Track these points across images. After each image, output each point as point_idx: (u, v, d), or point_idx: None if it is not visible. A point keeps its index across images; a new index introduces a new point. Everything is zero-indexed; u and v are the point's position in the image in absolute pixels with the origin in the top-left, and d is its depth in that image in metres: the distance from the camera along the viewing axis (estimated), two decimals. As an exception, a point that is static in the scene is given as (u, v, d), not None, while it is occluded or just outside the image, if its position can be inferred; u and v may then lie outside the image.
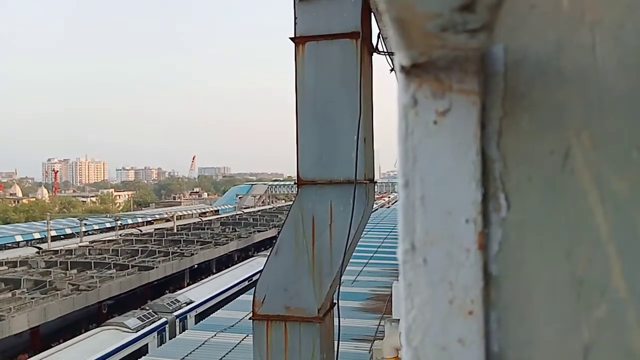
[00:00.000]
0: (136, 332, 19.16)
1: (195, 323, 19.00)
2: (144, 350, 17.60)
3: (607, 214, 0.49)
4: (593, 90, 0.50)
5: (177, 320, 21.30)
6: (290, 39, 4.56)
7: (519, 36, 0.52)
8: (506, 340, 0.52)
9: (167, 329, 20.56)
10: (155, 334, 19.94)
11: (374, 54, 4.87)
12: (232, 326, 15.44)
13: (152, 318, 20.71)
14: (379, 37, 4.87)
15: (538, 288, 0.51)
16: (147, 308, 21.95)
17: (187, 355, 13.21)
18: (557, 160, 0.51)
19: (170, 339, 18.33)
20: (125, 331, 18.90)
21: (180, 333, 18.40)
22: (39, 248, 37.12)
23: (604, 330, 0.48)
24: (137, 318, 20.24)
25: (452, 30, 0.44)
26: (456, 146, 0.52)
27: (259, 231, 46.66)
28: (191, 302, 23.06)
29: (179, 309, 22.05)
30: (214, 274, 32.45)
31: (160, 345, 17.84)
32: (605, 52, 0.50)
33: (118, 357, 17.10)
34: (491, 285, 0.52)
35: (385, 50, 5.02)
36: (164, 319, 20.82)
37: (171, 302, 22.62)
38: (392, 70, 5.70)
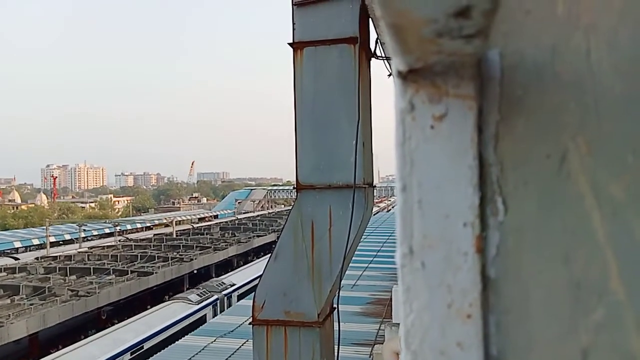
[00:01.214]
0: (198, 304, 23.58)
1: (237, 301, 23.89)
2: (203, 320, 21.84)
3: (603, 218, 0.49)
4: (588, 94, 0.50)
5: (225, 297, 25.67)
6: (289, 44, 4.58)
7: (514, 41, 0.52)
8: (504, 343, 0.52)
9: (218, 304, 24.80)
10: (210, 307, 24.21)
11: (372, 59, 4.89)
12: (232, 331, 15.39)
13: (207, 295, 24.93)
14: (377, 42, 4.89)
15: (536, 291, 0.51)
16: (201, 288, 26.23)
17: (186, 361, 13.16)
18: (554, 164, 0.51)
19: (220, 312, 22.40)
20: (189, 304, 23.38)
21: (227, 308, 22.45)
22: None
23: (601, 333, 0.48)
24: (197, 294, 24.56)
25: (448, 36, 0.44)
26: (453, 150, 0.53)
27: (258, 236, 46.59)
28: (234, 284, 27.33)
29: (226, 290, 26.31)
30: (212, 277, 32.46)
31: (214, 316, 21.62)
32: (600, 56, 0.50)
33: (188, 321, 21.72)
34: (489, 289, 0.52)
35: (383, 55, 5.03)
36: (215, 296, 25.14)
37: (219, 284, 27.00)
38: (390, 75, 5.72)
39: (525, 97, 0.52)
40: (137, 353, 17.66)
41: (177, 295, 25.24)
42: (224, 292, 26.04)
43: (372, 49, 4.82)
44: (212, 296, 25.07)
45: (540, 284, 0.51)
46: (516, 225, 0.52)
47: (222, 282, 27.36)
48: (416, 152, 0.53)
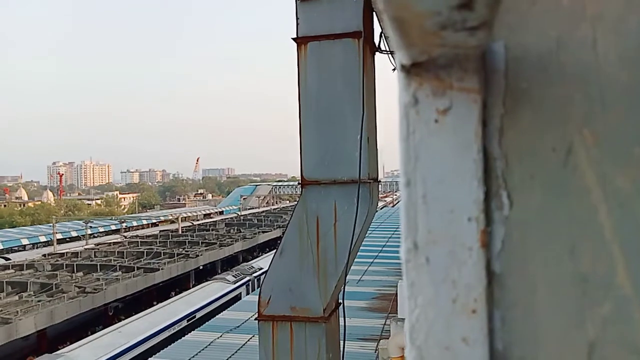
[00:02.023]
0: (234, 284, 26.78)
1: (264, 281, 26.76)
2: (238, 297, 24.79)
3: (610, 211, 0.49)
4: (594, 86, 0.50)
5: (255, 279, 28.37)
6: (293, 39, 4.57)
7: (519, 33, 0.52)
8: (510, 338, 0.51)
9: (250, 285, 27.78)
10: (244, 286, 27.27)
11: (377, 53, 4.87)
12: (238, 327, 15.45)
13: (240, 276, 28.28)
14: (381, 36, 4.86)
15: (542, 286, 0.51)
16: (235, 270, 29.83)
17: (193, 357, 13.23)
18: (560, 157, 0.51)
19: (252, 291, 25.19)
20: (227, 283, 26.69)
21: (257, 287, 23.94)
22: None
23: (608, 327, 0.48)
24: (232, 276, 27.92)
25: (451, 29, 0.44)
26: (457, 144, 0.52)
27: (263, 232, 46.67)
28: (261, 268, 29.65)
29: (255, 272, 29.28)
30: (218, 274, 32.65)
31: (247, 295, 24.14)
32: (606, 47, 0.49)
33: (227, 298, 24.90)
34: (494, 284, 0.52)
35: (387, 50, 5.01)
36: (247, 278, 28.32)
37: (249, 267, 30.72)
38: (394, 69, 5.70)
39: (531, 89, 0.51)
40: (192, 321, 21.27)
41: (216, 276, 28.97)
42: (254, 275, 29.17)
43: (377, 43, 4.80)
44: (245, 277, 28.45)
45: (546, 279, 0.51)
46: (522, 219, 0.52)
47: (252, 266, 31.07)
48: (420, 146, 0.53)
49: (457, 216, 0.52)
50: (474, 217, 0.52)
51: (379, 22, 4.76)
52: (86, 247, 39.88)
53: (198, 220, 66.02)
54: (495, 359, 0.51)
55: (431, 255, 0.52)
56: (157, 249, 36.68)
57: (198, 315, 21.60)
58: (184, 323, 20.60)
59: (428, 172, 0.53)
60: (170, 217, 62.10)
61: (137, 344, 17.40)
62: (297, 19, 4.56)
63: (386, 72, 5.69)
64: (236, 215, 64.80)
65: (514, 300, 0.52)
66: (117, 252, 35.35)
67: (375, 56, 4.87)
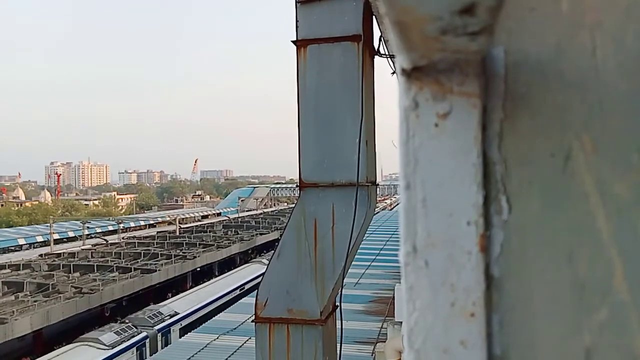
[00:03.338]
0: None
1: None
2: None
3: (608, 217, 0.49)
4: (593, 92, 0.50)
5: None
6: (292, 42, 4.57)
7: (519, 39, 0.52)
8: (508, 342, 0.51)
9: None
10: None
11: (376, 56, 4.88)
12: (235, 329, 15.43)
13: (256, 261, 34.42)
14: (380, 39, 4.88)
15: (539, 291, 0.51)
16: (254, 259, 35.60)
17: (189, 358, 13.20)
18: (558, 163, 0.51)
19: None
20: (264, 265, 31.17)
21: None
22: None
23: (605, 333, 0.48)
24: (267, 259, 29.37)
25: (453, 33, 0.44)
26: (457, 149, 0.52)
27: (261, 234, 46.67)
28: None
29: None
30: (216, 276, 32.74)
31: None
32: (606, 54, 0.50)
33: (254, 283, 27.39)
34: (493, 288, 0.52)
35: (387, 53, 5.02)
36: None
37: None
38: (393, 73, 5.71)
39: (530, 95, 0.52)
40: (242, 290, 27.76)
41: (254, 260, 33.91)
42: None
43: (376, 47, 4.81)
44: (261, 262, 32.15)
45: (544, 283, 0.51)
46: (520, 224, 0.52)
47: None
48: (420, 150, 0.53)
49: (457, 220, 0.52)
50: (473, 221, 0.52)
51: (379, 26, 4.77)
52: (83, 247, 39.76)
53: (196, 221, 66.02)
54: None
55: (430, 258, 0.53)
56: (154, 250, 36.63)
57: (246, 287, 28.32)
58: (237, 292, 27.59)
59: (427, 175, 0.53)
60: (168, 219, 61.96)
61: (209, 303, 24.98)
62: (296, 21, 4.57)
63: (385, 75, 5.70)
64: (234, 217, 64.76)
65: (512, 304, 0.52)
66: (114, 252, 35.27)
67: (374, 60, 4.88)
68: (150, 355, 18.08)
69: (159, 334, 20.72)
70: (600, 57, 0.50)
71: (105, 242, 42.05)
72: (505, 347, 0.51)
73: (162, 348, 18.30)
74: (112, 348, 18.12)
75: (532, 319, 0.51)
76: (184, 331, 19.95)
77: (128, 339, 19.14)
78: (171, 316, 22.16)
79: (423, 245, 0.53)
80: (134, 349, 19.11)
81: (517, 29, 0.52)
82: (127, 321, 20.98)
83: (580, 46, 0.51)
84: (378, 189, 5.41)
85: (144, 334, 19.96)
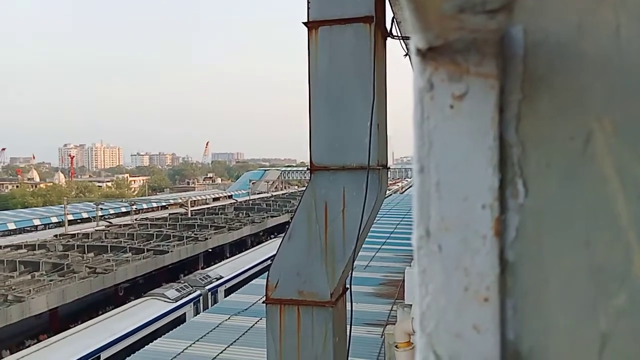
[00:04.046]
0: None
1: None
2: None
3: (628, 201, 0.48)
4: (616, 73, 0.49)
5: None
6: (303, 23, 4.52)
7: (539, 17, 0.50)
8: (522, 327, 0.51)
9: None
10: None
11: (388, 38, 4.81)
12: (246, 309, 15.64)
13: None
14: (393, 21, 4.80)
15: (555, 275, 0.51)
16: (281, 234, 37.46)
17: (201, 337, 13.44)
18: (578, 146, 0.50)
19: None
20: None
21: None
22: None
23: (623, 319, 0.47)
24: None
25: (470, 11, 0.42)
26: (473, 131, 0.51)
27: (272, 216, 46.92)
28: None
29: None
30: (227, 258, 33.12)
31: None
32: (630, 33, 0.48)
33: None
34: (507, 272, 0.51)
35: (399, 35, 4.95)
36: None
37: None
38: (406, 55, 5.63)
39: (549, 75, 0.50)
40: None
41: (281, 235, 34.95)
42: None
43: (389, 29, 4.74)
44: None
45: (560, 268, 0.50)
46: (537, 207, 0.51)
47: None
48: (435, 132, 0.52)
49: (471, 203, 0.51)
50: (489, 205, 0.51)
51: (391, 7, 4.69)
52: (97, 228, 40.35)
53: (207, 203, 66.54)
54: (506, 347, 0.51)
55: (444, 242, 0.52)
56: (166, 231, 37.06)
57: (268, 262, 30.02)
58: (269, 261, 29.31)
59: (442, 158, 0.52)
60: (180, 201, 62.48)
61: (247, 270, 28.40)
62: (308, 3, 4.51)
63: (397, 58, 5.63)
64: (245, 199, 65.14)
65: (526, 289, 0.51)
66: (127, 234, 35.74)
67: (386, 41, 4.82)
68: (203, 310, 21.01)
69: (209, 293, 24.57)
70: (624, 36, 0.48)
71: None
72: (519, 332, 0.51)
73: (211, 305, 21.33)
74: (176, 302, 22.12)
75: (547, 304, 0.51)
76: (227, 292, 23.73)
77: (186, 295, 23.09)
78: (217, 279, 26.04)
79: (437, 229, 0.52)
80: (192, 303, 23.07)
81: (537, 7, 0.50)
82: (183, 282, 24.94)
83: (603, 25, 0.49)
84: (389, 173, 5.39)
85: (198, 292, 23.91)
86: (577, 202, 0.50)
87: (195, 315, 19.24)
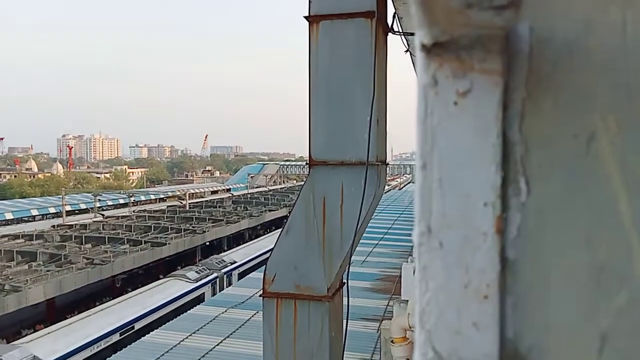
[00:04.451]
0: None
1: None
2: None
3: (630, 200, 0.48)
4: (621, 71, 0.48)
5: None
6: (305, 17, 4.50)
7: (545, 14, 0.50)
8: (521, 325, 0.51)
9: None
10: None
11: (389, 34, 4.80)
12: (243, 302, 15.68)
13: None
14: (394, 16, 4.78)
15: (556, 274, 0.50)
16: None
17: (198, 330, 13.47)
18: (581, 145, 0.50)
19: None
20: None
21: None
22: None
23: (623, 318, 0.47)
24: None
25: (478, 7, 0.42)
26: (476, 128, 0.51)
27: (270, 210, 46.94)
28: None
29: None
30: (225, 251, 33.18)
31: None
32: (636, 30, 0.48)
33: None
34: (508, 270, 0.51)
35: (400, 31, 4.93)
36: None
37: None
38: (407, 51, 5.61)
39: (555, 73, 0.50)
40: None
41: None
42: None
43: (390, 24, 4.72)
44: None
45: (561, 267, 0.50)
46: (539, 206, 0.51)
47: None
48: (438, 128, 0.52)
49: (473, 201, 0.51)
50: (490, 203, 0.51)
51: (393, 2, 4.68)
52: (95, 219, 40.32)
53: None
54: (505, 345, 0.51)
55: (445, 239, 0.52)
56: (164, 223, 37.03)
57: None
58: None
59: (445, 155, 0.52)
60: (178, 193, 62.42)
61: (258, 256, 29.59)
62: (310, -4, 4.49)
63: (398, 54, 5.62)
64: (244, 193, 65.14)
65: (526, 287, 0.51)
66: (125, 225, 35.72)
67: (387, 37, 4.80)
68: (220, 290, 23.05)
69: (225, 276, 26.69)
70: (630, 35, 0.48)
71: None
72: (518, 330, 0.51)
73: (226, 287, 23.42)
74: (196, 282, 24.33)
75: (547, 302, 0.51)
76: (241, 275, 25.83)
77: (205, 277, 25.29)
78: (231, 263, 28.19)
79: (438, 226, 0.52)
80: (209, 284, 25.27)
81: (544, 4, 0.50)
82: (201, 265, 27.16)
83: (610, 23, 0.49)
84: (388, 169, 5.38)
85: (215, 274, 26.11)
86: (579, 201, 0.50)
87: (213, 295, 21.60)
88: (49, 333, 16.80)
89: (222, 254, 31.22)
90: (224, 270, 26.98)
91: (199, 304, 18.39)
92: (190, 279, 24.34)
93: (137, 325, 19.20)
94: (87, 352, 16.68)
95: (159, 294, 21.95)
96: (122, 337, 18.13)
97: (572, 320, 0.50)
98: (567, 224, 0.50)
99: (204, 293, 24.21)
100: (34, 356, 14.79)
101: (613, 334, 0.48)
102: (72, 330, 17.08)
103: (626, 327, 0.47)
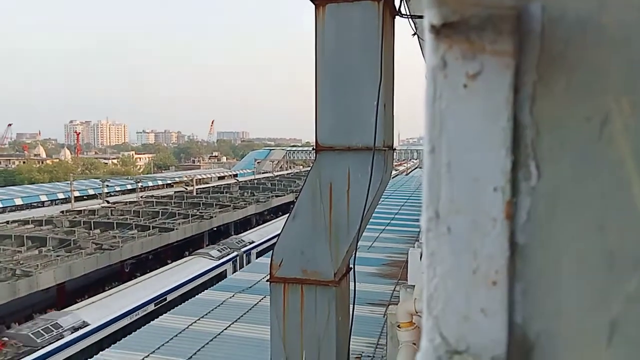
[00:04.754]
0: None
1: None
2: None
3: (644, 185, 0.47)
4: (637, 51, 0.47)
5: None
6: (311, 0, 4.45)
7: None
8: (530, 311, 0.50)
9: None
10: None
11: (397, 17, 4.73)
12: (250, 287, 15.82)
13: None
14: (402, -1, 4.71)
15: (567, 260, 0.50)
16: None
17: (206, 314, 13.63)
18: (594, 128, 0.48)
19: None
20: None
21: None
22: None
23: (633, 304, 0.46)
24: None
25: (489, -15, 0.41)
26: (486, 111, 0.50)
27: (276, 196, 47.06)
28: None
29: None
30: (232, 235, 33.51)
31: None
32: None
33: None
34: (517, 256, 0.50)
35: (408, 13, 4.86)
36: None
37: None
38: (414, 34, 5.54)
39: (567, 52, 0.48)
40: None
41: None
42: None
43: (397, 7, 4.65)
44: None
45: (571, 252, 0.49)
46: (549, 191, 0.50)
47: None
48: (447, 112, 0.51)
49: (482, 186, 0.50)
50: (500, 187, 0.50)
51: (401, -16, 4.60)
52: (103, 205, 40.64)
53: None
54: (513, 331, 0.50)
55: (453, 224, 0.51)
56: (172, 209, 37.27)
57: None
58: None
59: (454, 139, 0.51)
60: (185, 179, 62.66)
61: (275, 236, 27.58)
62: (316, -21, 4.43)
63: (406, 37, 5.55)
64: (250, 178, 65.32)
65: (536, 273, 0.50)
66: (133, 211, 35.98)
67: (395, 20, 4.74)
68: (240, 268, 24.86)
69: (244, 254, 28.57)
70: (647, 13, 0.47)
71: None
72: (527, 316, 0.50)
73: (245, 264, 25.54)
74: (218, 259, 26.27)
75: (556, 288, 0.50)
76: (258, 255, 27.93)
77: (226, 255, 27.18)
78: (250, 243, 30.14)
79: (446, 211, 0.51)
80: (230, 262, 27.09)
81: None
82: (222, 244, 29.06)
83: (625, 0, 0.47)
84: (395, 154, 5.36)
85: (235, 253, 27.93)
86: (591, 185, 0.49)
87: (234, 273, 23.20)
88: (93, 302, 19.18)
89: (241, 234, 33.19)
90: (243, 250, 28.75)
91: (221, 280, 19.86)
92: (213, 257, 26.24)
93: (169, 297, 21.20)
94: (127, 320, 18.86)
95: (185, 269, 24.10)
96: (156, 307, 20.02)
97: (582, 307, 0.49)
98: (579, 209, 0.49)
99: (225, 270, 25.86)
100: (84, 321, 17.21)
101: (623, 320, 0.47)
102: (113, 299, 19.38)
103: (637, 314, 0.46)
